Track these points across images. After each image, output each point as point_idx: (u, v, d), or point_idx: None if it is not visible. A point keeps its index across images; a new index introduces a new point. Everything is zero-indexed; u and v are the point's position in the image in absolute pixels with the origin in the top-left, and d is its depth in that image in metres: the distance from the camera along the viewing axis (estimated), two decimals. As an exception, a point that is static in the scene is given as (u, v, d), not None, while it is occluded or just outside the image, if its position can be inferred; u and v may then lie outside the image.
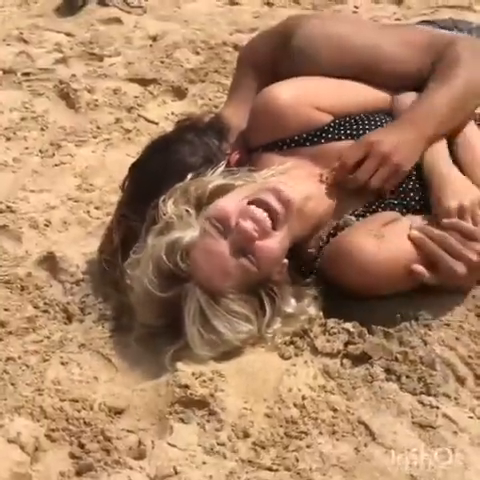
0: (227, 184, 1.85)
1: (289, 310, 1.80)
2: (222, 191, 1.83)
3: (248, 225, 1.71)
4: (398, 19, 3.98)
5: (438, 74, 1.98)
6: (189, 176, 1.88)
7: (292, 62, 2.04)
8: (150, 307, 1.77)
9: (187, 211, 1.81)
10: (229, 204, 1.77)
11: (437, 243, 1.79)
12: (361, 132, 1.96)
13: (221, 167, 1.92)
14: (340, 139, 1.96)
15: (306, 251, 1.90)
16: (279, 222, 1.75)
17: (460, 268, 1.77)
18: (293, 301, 1.81)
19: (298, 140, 1.97)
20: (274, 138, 1.98)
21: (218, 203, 1.79)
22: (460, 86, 1.95)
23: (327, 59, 2.02)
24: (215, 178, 1.88)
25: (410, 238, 1.81)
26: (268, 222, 1.74)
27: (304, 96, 1.97)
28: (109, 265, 1.97)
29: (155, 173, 1.96)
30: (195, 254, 1.72)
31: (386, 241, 1.78)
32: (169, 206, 1.82)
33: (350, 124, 1.98)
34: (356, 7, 4.22)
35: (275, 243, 1.74)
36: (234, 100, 2.18)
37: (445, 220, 1.81)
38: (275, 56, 2.09)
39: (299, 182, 1.88)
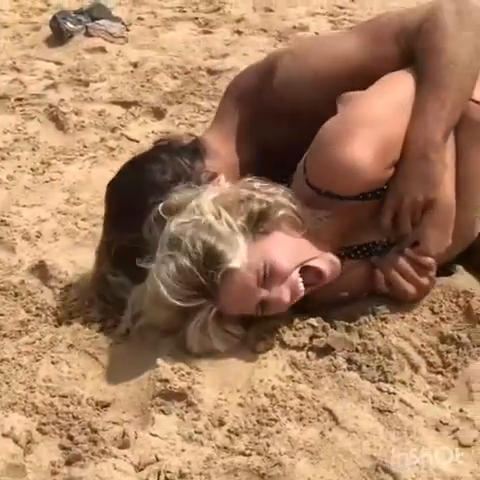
0: (287, 215, 1.71)
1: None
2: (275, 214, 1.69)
3: (286, 297, 1.67)
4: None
5: (422, 57, 1.79)
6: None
7: (276, 95, 1.92)
8: (157, 308, 1.67)
9: (242, 227, 1.66)
10: (285, 266, 1.65)
11: (394, 267, 1.78)
12: None
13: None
14: None
15: None
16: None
17: (411, 290, 1.78)
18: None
19: (360, 197, 1.74)
20: (340, 193, 1.71)
21: (277, 256, 1.65)
22: (444, 77, 1.75)
23: (306, 94, 1.89)
24: (277, 196, 1.71)
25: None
26: (301, 293, 1.70)
27: (382, 158, 1.69)
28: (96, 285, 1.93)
29: (126, 191, 1.89)
30: (234, 280, 1.62)
31: None
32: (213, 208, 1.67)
33: None
34: (317, 33, 4.24)
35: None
36: (217, 126, 2.06)
37: (408, 251, 1.78)
38: (259, 89, 1.97)
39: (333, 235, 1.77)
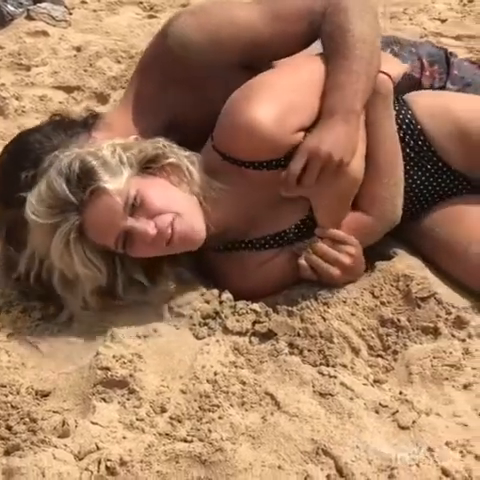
0: (176, 164, 1.74)
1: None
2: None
3: (151, 230, 1.65)
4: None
5: (330, 38, 1.81)
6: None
7: (172, 60, 1.86)
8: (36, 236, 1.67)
9: (130, 161, 1.68)
10: (157, 204, 1.66)
11: (313, 252, 1.78)
12: None
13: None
14: None
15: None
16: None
17: (335, 272, 1.78)
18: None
19: (263, 165, 1.74)
20: (244, 158, 1.73)
21: (151, 193, 1.66)
22: (360, 52, 1.77)
23: (203, 55, 1.84)
24: (178, 151, 1.75)
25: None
26: (167, 237, 1.67)
27: (285, 121, 1.70)
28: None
29: (1, 164, 1.88)
30: (101, 199, 1.63)
31: None
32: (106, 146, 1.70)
33: None
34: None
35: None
36: (121, 101, 2.04)
37: (317, 230, 1.80)
38: (156, 54, 1.92)
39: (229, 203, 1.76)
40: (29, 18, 3.87)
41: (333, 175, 1.73)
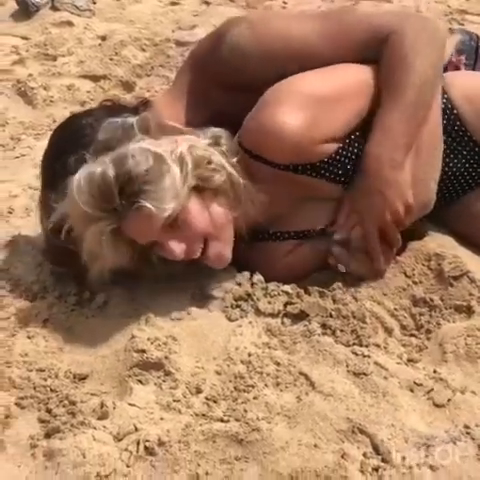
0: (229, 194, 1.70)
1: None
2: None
3: (180, 253, 1.66)
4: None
5: (389, 70, 1.75)
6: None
7: (223, 61, 1.86)
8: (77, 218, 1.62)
9: (191, 186, 1.63)
10: (199, 227, 1.66)
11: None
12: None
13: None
14: (331, 180, 1.76)
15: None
16: None
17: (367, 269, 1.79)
18: None
19: (291, 168, 1.72)
20: (268, 157, 1.70)
21: (193, 218, 1.64)
22: (411, 95, 1.73)
23: (257, 68, 1.82)
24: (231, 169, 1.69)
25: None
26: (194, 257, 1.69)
27: (314, 130, 1.68)
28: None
29: (54, 147, 1.85)
30: (144, 217, 1.58)
31: None
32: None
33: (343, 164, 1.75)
34: (285, 2, 4.20)
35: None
36: (169, 90, 2.04)
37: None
38: (210, 53, 1.90)
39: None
40: (54, 8, 3.90)
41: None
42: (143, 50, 3.47)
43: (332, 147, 1.73)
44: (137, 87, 3.12)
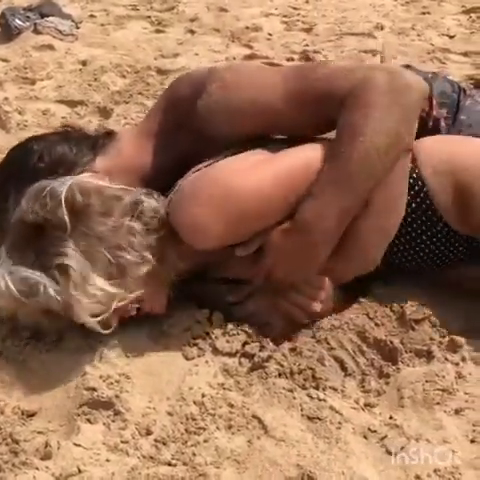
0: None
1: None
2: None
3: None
4: (307, 45, 4.00)
5: (339, 134, 1.68)
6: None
7: (198, 115, 1.83)
8: None
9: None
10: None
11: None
12: None
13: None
14: None
15: None
16: None
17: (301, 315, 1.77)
18: None
19: None
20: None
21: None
22: (360, 168, 1.64)
23: (226, 129, 1.80)
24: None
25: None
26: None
27: (232, 230, 1.65)
28: None
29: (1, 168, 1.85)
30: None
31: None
32: None
33: None
34: (270, 34, 4.23)
35: None
36: (141, 125, 2.01)
37: None
38: (188, 102, 1.87)
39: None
40: (36, 32, 3.93)
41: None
42: (123, 76, 3.48)
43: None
44: (114, 114, 3.10)
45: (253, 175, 1.67)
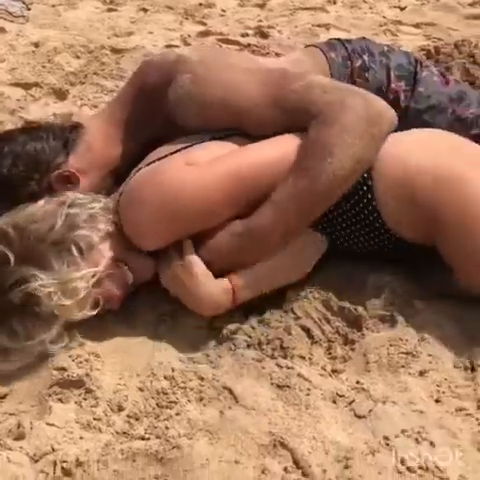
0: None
1: None
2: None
3: None
4: (261, 21, 4.00)
5: (307, 147, 1.66)
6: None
7: (168, 104, 1.83)
8: None
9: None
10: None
11: None
12: None
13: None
14: None
15: None
16: None
17: None
18: None
19: None
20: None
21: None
22: (317, 188, 1.63)
23: (195, 121, 1.80)
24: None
25: None
26: None
27: (169, 232, 1.67)
28: None
29: None
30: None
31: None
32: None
33: None
34: (224, 10, 4.21)
35: None
36: (108, 112, 1.97)
37: None
38: (158, 90, 1.86)
39: None
40: (-15, 15, 3.83)
41: None
42: (77, 57, 3.43)
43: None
44: (70, 95, 3.07)
45: (201, 173, 1.66)
